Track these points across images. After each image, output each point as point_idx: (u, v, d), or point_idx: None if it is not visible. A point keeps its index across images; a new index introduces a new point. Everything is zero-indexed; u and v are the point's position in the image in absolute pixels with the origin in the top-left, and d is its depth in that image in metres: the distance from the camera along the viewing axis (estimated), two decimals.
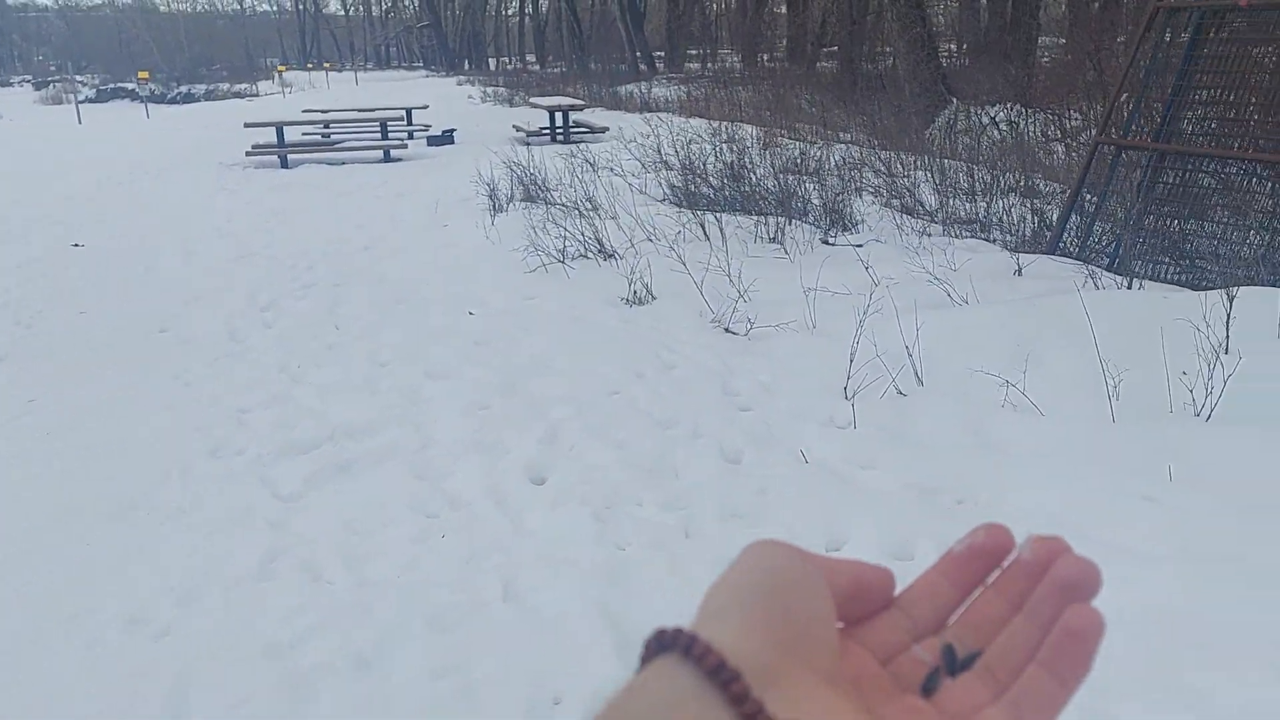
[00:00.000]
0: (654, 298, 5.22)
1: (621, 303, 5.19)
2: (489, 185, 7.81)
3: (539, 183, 8.04)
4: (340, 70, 51.71)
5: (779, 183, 7.51)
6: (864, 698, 0.34)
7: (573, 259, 6.09)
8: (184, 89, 40.19)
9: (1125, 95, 5.98)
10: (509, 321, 4.98)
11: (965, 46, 22.65)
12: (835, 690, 0.33)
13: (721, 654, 0.31)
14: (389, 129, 13.47)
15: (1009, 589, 0.37)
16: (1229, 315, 3.48)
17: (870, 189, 8.22)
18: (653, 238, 6.26)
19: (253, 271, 6.45)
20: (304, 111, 15.11)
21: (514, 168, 8.16)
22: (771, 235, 6.37)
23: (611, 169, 9.00)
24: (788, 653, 0.33)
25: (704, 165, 8.04)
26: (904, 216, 7.13)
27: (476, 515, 2.97)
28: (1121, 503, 2.78)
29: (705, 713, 0.30)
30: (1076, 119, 12.10)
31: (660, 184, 7.90)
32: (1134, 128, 5.95)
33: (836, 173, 8.97)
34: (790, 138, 12.81)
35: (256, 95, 36.59)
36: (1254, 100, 5.37)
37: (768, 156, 10.03)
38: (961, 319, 4.12)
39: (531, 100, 15.12)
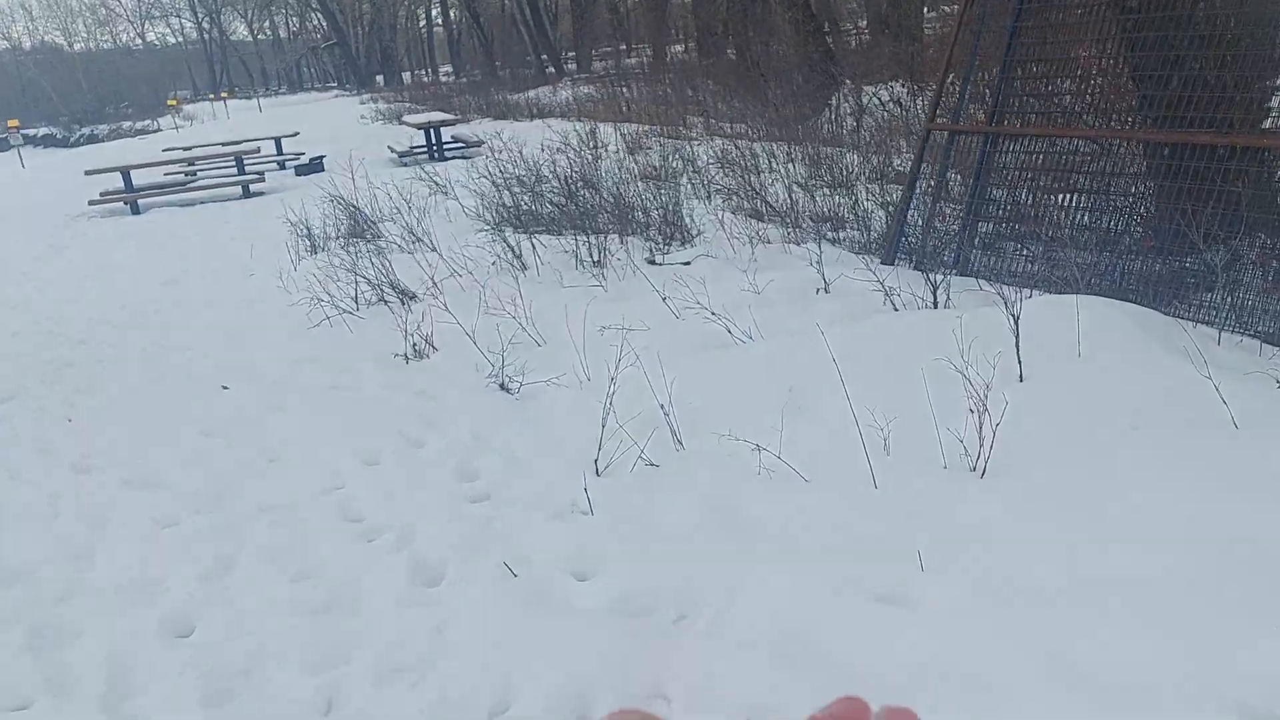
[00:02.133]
0: (435, 350, 4.61)
1: (397, 360, 4.58)
2: (304, 224, 7.13)
3: (364, 217, 7.38)
4: (249, 97, 50.32)
5: (617, 195, 6.93)
6: None
7: (371, 305, 5.47)
8: (86, 130, 38.69)
9: (952, 76, 5.49)
10: (263, 397, 4.34)
11: (866, 24, 22.25)
12: None
13: None
14: (248, 163, 12.70)
15: None
16: (1017, 340, 2.96)
17: (722, 190, 7.67)
18: (458, 273, 5.65)
19: (17, 350, 5.73)
20: (164, 151, 14.26)
21: (338, 201, 7.48)
22: (595, 259, 5.78)
23: (445, 191, 8.35)
24: None
25: (537, 181, 7.42)
26: (750, 221, 6.59)
27: (69, 704, 2.34)
28: (861, 609, 2.23)
29: None
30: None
31: (499, 206, 7.26)
32: (965, 109, 5.46)
33: (690, 175, 8.44)
34: (669, 136, 12.28)
35: (158, 131, 35.27)
36: (1085, 72, 4.89)
37: (631, 162, 9.47)
38: (736, 361, 3.56)
39: (403, 119, 14.40)
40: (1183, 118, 4.04)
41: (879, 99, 12.56)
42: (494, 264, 5.80)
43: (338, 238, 7.22)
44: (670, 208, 6.58)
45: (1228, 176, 3.92)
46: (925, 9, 20.36)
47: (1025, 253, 4.94)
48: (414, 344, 4.60)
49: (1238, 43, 3.97)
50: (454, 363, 4.43)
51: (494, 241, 5.92)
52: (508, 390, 4.03)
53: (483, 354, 4.26)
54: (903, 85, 12.98)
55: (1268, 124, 4.19)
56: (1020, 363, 2.97)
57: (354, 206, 7.42)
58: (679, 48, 34.81)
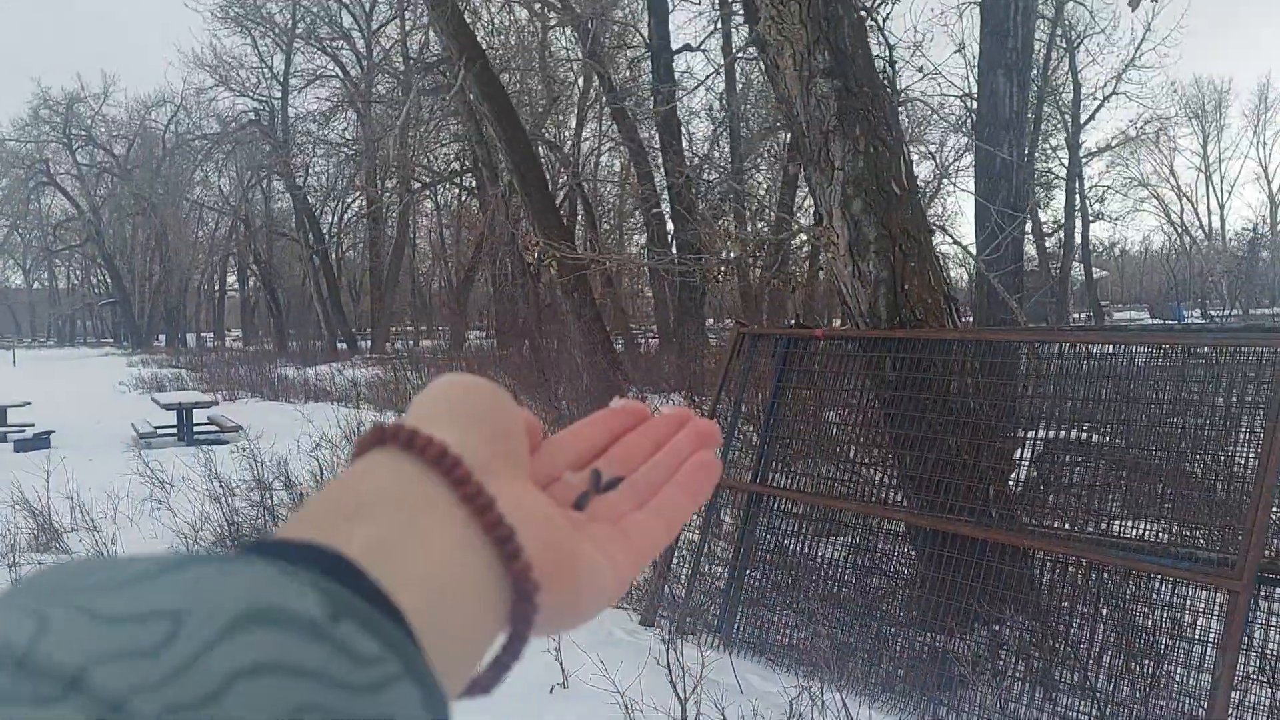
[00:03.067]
0: None
1: None
2: None
3: (49, 527, 6.20)
4: (8, 348, 46.72)
5: None
6: None
7: None
8: None
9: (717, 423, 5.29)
10: None
11: (654, 335, 23.32)
12: (532, 484, 0.39)
13: (444, 444, 0.34)
14: None
15: (652, 433, 0.45)
16: None
17: None
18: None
19: None
20: None
21: (19, 503, 6.29)
22: None
23: (160, 499, 7.28)
24: (498, 453, 0.36)
25: (267, 492, 6.55)
26: None
27: None
28: None
29: (431, 494, 0.33)
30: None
31: (219, 521, 6.29)
32: (730, 458, 5.22)
33: None
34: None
35: None
36: (846, 440, 4.78)
37: None
38: None
39: (154, 397, 13.23)
40: (942, 503, 3.85)
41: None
42: None
43: (8, 554, 5.96)
44: None
45: (989, 571, 3.68)
46: (708, 321, 21.67)
47: (789, 622, 4.54)
48: None
49: (992, 432, 3.90)
50: None
51: None
52: None
53: None
54: (684, 397, 13.28)
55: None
56: None
57: (41, 513, 6.25)
58: (480, 333, 35.47)
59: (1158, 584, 3.50)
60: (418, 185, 30.24)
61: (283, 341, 35.57)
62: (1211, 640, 3.12)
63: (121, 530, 6.31)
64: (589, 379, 14.55)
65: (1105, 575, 3.69)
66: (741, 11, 17.78)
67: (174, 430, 12.17)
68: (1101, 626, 3.68)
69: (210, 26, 47.58)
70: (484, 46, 15.33)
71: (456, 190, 31.05)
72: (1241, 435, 3.57)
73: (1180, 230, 43.87)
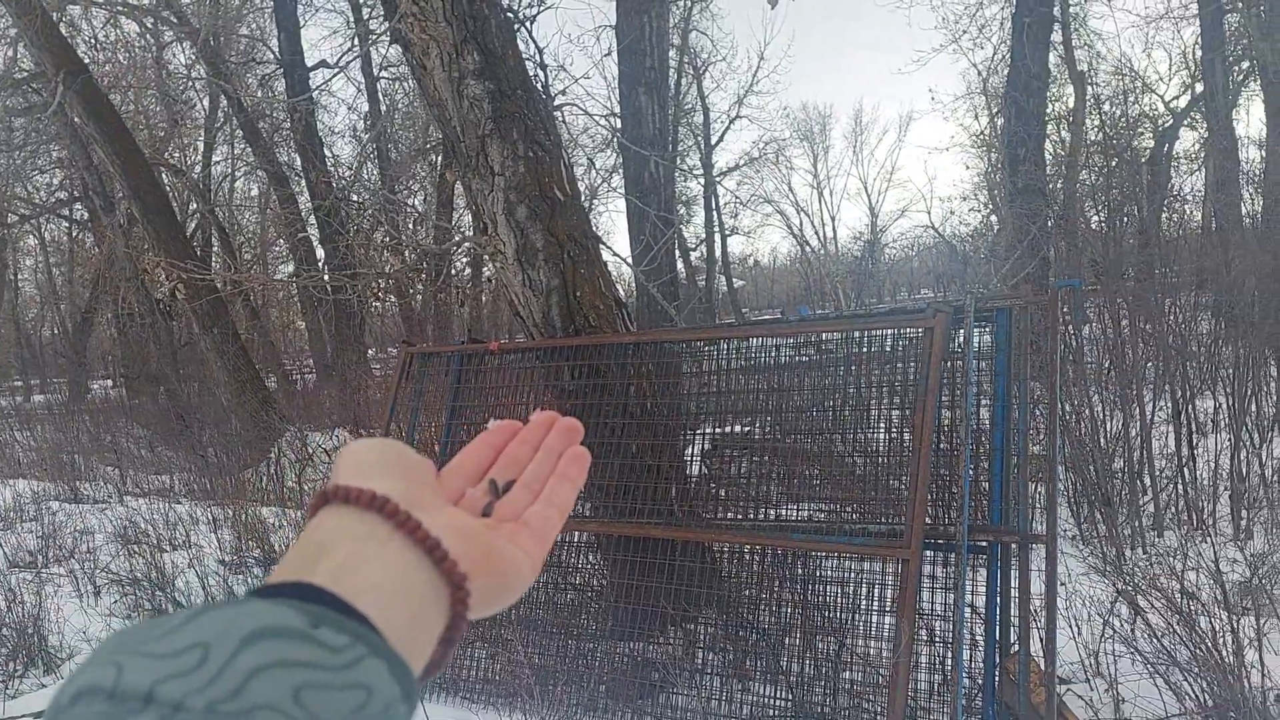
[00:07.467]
0: None
1: None
2: None
3: None
4: None
5: None
6: None
7: None
8: None
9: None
10: None
11: (311, 370, 21.85)
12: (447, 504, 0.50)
13: (372, 491, 0.44)
14: None
15: (529, 439, 0.56)
16: None
17: (118, 581, 6.07)
18: None
19: None
20: None
21: None
22: None
23: None
24: (416, 489, 0.47)
25: None
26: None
27: None
28: None
29: (371, 528, 0.43)
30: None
31: None
32: None
33: (81, 558, 6.73)
34: (67, 499, 10.15)
35: None
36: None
37: None
38: None
39: None
40: (629, 508, 3.79)
41: (324, 449, 11.88)
42: None
43: None
44: (31, 622, 4.88)
45: (678, 571, 3.67)
46: (370, 350, 20.72)
47: (484, 654, 4.28)
48: None
49: (670, 432, 3.91)
50: None
51: None
52: None
53: None
54: (349, 432, 12.54)
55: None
56: None
57: None
58: (108, 383, 31.36)
59: (830, 561, 3.66)
60: (15, 218, 26.16)
61: None
62: (883, 609, 3.29)
63: None
64: (239, 422, 13.33)
65: (784, 558, 3.82)
66: (378, 30, 17.19)
67: None
68: (784, 610, 3.81)
69: None
70: (87, 62, 13.51)
71: (65, 223, 27.33)
72: (874, 415, 3.82)
73: (801, 241, 49.00)
